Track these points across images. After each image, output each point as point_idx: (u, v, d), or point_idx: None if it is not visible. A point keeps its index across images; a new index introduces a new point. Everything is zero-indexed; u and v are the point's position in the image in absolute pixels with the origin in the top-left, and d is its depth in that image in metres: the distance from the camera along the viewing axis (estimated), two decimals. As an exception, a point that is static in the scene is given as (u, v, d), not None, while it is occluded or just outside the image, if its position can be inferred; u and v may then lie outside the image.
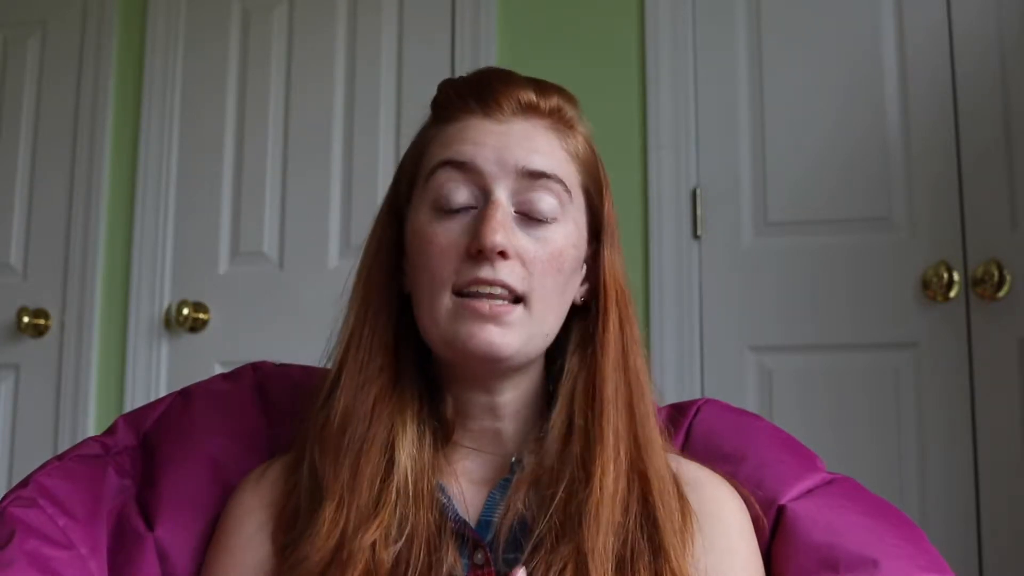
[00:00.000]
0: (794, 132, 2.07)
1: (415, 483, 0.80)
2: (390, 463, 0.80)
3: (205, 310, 2.34)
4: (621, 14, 2.19)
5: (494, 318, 0.78)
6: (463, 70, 2.25)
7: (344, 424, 0.81)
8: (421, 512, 0.79)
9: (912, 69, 2.02)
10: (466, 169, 0.80)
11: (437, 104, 0.87)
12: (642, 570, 0.76)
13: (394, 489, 0.79)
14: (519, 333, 0.79)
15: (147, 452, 0.96)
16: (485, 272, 0.78)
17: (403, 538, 0.78)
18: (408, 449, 0.81)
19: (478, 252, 0.78)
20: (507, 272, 0.78)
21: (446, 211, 0.80)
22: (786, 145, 2.07)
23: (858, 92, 2.04)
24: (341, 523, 0.78)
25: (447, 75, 2.21)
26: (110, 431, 0.97)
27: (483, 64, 2.22)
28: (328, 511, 0.78)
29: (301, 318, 2.21)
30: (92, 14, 2.49)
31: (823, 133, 2.05)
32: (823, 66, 2.07)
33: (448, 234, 0.80)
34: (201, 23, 2.45)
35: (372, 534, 0.77)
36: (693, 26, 2.15)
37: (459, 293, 0.79)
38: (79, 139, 2.45)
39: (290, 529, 0.81)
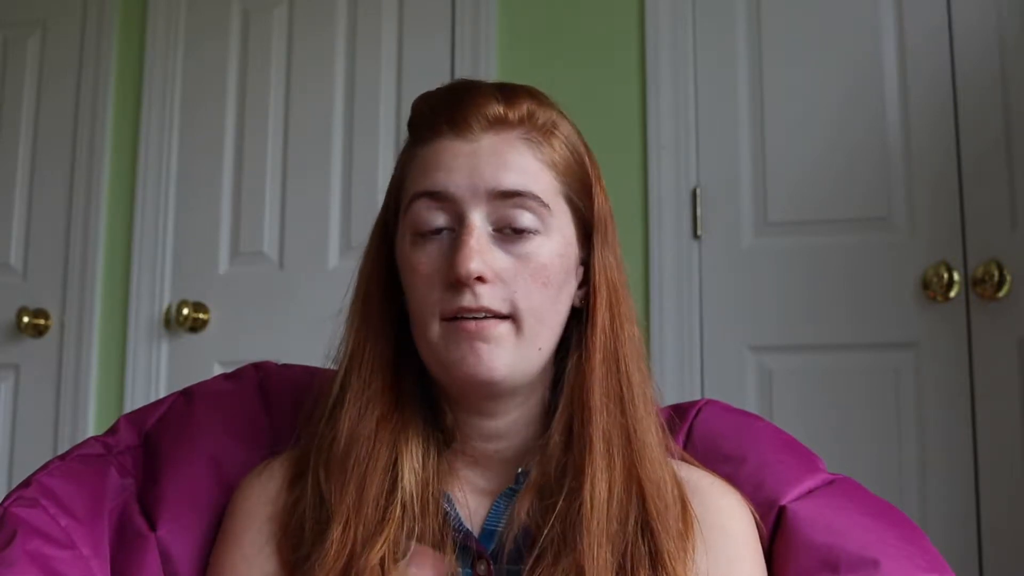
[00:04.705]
0: (794, 132, 2.07)
1: (420, 496, 0.81)
2: (394, 481, 0.81)
3: (205, 310, 2.34)
4: (621, 14, 2.19)
5: (480, 333, 0.77)
6: (463, 70, 2.27)
7: (349, 447, 0.82)
8: (427, 521, 0.80)
9: (912, 69, 2.02)
10: (440, 198, 0.80)
11: (412, 124, 0.86)
12: None
13: (399, 505, 0.80)
14: (509, 351, 0.79)
15: (149, 452, 0.96)
16: (467, 300, 0.78)
17: (410, 551, 0.79)
18: (411, 464, 0.82)
19: (457, 280, 0.77)
20: (488, 296, 0.78)
21: (425, 237, 0.80)
22: (786, 145, 2.07)
23: (858, 92, 2.04)
24: (349, 544, 0.78)
25: (447, 75, 2.24)
26: (112, 431, 0.97)
27: (483, 65, 2.22)
28: (335, 532, 0.79)
29: (301, 318, 2.21)
30: (92, 14, 2.49)
31: (823, 133, 2.05)
32: (823, 66, 2.07)
33: (430, 261, 0.80)
34: (201, 23, 2.45)
35: (379, 551, 0.78)
36: (693, 26, 2.15)
37: (446, 319, 0.79)
38: (79, 139, 2.45)
39: (297, 546, 0.81)
